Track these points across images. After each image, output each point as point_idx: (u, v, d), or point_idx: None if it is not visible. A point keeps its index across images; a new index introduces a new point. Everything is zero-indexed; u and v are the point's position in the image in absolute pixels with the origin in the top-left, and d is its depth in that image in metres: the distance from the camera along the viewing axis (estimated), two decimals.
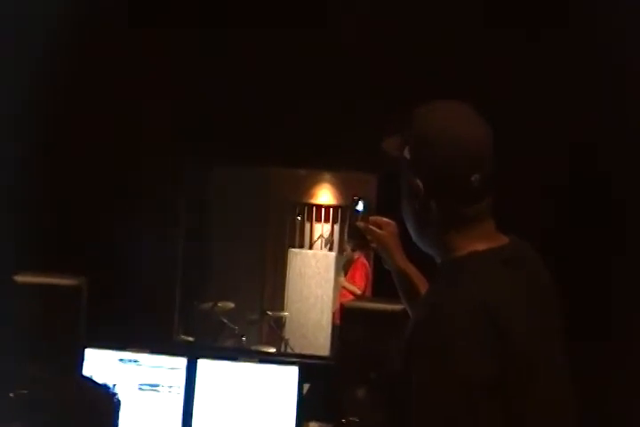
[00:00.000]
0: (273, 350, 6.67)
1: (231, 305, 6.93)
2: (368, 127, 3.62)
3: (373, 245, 2.12)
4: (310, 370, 2.96)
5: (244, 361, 2.94)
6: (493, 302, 1.49)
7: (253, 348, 6.64)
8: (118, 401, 2.24)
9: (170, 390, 2.95)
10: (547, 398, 1.53)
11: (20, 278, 3.02)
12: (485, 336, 1.47)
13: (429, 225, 1.63)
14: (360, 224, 2.13)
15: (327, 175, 8.15)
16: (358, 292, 6.87)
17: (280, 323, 7.58)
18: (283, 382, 2.87)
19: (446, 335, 1.46)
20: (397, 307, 2.71)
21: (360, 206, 2.21)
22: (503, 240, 1.64)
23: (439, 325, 1.48)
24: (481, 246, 1.59)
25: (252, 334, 7.20)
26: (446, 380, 1.44)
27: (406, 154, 1.62)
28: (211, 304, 6.75)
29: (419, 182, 1.60)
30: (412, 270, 2.07)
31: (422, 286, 2.03)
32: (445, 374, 1.44)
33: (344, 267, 7.47)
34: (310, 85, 3.82)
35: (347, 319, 2.82)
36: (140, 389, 2.96)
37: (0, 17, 3.83)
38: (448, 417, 1.44)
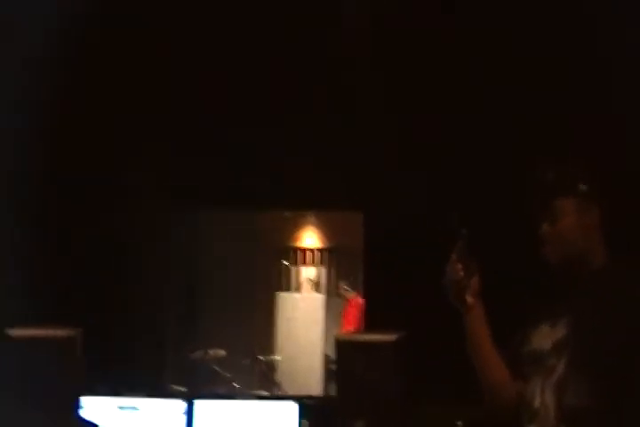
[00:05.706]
0: (266, 394, 6.62)
1: (222, 353, 6.89)
2: (350, 165, 3.70)
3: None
4: (308, 407, 2.98)
5: (242, 399, 2.95)
6: None
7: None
8: None
9: None
10: None
11: (13, 333, 3.03)
12: None
13: (593, 237, 2.02)
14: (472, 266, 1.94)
15: (312, 218, 8.20)
16: None
17: (272, 367, 7.55)
18: (282, 419, 2.88)
19: None
20: (390, 338, 2.74)
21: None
22: None
23: None
24: None
25: (244, 379, 7.16)
26: None
27: (582, 187, 2.02)
28: (201, 353, 6.72)
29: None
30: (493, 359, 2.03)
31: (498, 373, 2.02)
32: None
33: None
34: (291, 129, 3.90)
35: (341, 352, 2.84)
36: None
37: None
38: None
